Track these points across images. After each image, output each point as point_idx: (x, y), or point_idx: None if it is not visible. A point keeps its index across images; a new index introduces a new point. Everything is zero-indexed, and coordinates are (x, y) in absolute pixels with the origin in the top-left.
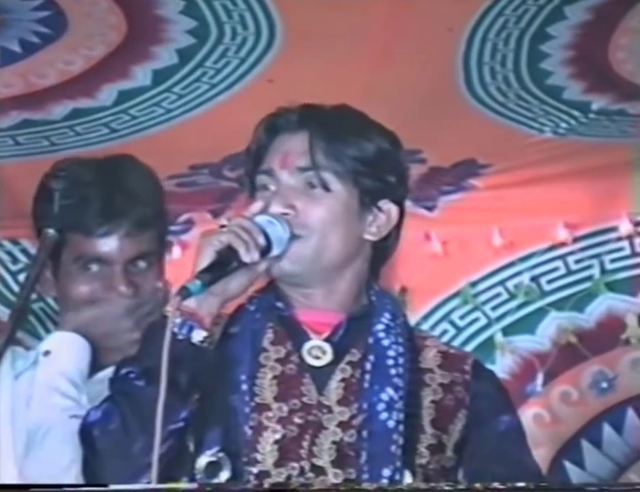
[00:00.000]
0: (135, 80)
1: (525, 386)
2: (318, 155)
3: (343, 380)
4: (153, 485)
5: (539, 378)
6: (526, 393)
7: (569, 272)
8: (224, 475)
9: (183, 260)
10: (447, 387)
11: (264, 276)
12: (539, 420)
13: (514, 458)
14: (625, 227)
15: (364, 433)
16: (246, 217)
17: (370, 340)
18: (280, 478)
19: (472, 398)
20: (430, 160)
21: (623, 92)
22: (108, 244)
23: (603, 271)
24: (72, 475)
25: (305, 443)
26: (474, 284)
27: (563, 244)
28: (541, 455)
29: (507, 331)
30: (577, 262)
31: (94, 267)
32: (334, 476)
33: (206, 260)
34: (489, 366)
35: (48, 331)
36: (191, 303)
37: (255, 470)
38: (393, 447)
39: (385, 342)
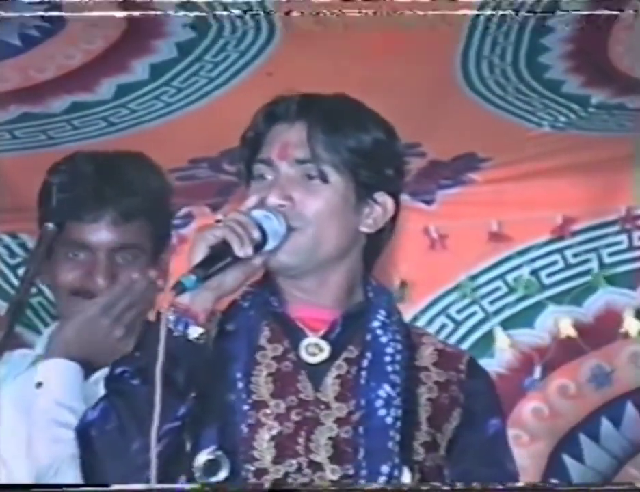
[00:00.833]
0: (134, 74)
1: (524, 380)
2: (317, 147)
3: (339, 376)
4: (155, 485)
5: (538, 372)
6: (525, 387)
7: (568, 266)
8: (222, 474)
9: (182, 254)
10: (443, 386)
11: (261, 270)
12: (538, 414)
13: (497, 462)
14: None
15: (361, 429)
16: (241, 211)
17: (368, 337)
18: (277, 475)
19: (466, 396)
20: (429, 154)
21: (622, 86)
22: (94, 231)
23: (602, 265)
24: None
25: (301, 440)
26: (473, 278)
27: (561, 237)
28: (539, 449)
29: (505, 325)
30: (575, 255)
31: (81, 254)
32: (331, 472)
33: (200, 254)
34: (487, 360)
35: (46, 325)
36: (185, 298)
37: (253, 468)
38: (390, 444)
39: (383, 339)
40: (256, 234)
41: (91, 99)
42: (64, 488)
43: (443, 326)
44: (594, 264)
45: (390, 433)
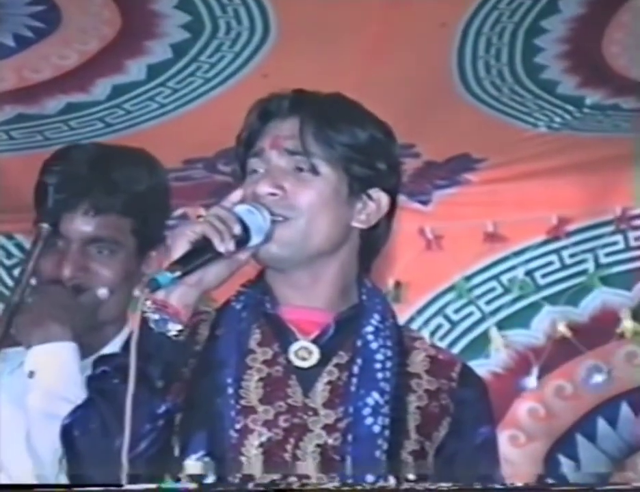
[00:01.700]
0: (129, 74)
1: (520, 380)
2: (308, 139)
3: (329, 382)
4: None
5: (534, 372)
6: (521, 387)
7: (564, 267)
8: (209, 480)
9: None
10: (433, 394)
11: (250, 263)
12: (534, 414)
13: (485, 470)
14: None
15: (349, 437)
16: (223, 206)
17: (359, 343)
18: (264, 481)
19: (456, 405)
20: (424, 154)
21: (616, 87)
22: (68, 221)
23: (597, 265)
24: None
25: (289, 447)
26: (468, 278)
27: (557, 238)
28: (535, 449)
29: (501, 325)
30: (571, 256)
31: (59, 243)
32: (317, 481)
33: (179, 251)
34: (483, 360)
35: None
36: (164, 295)
37: (239, 474)
38: (378, 453)
39: (374, 345)
40: (237, 229)
41: (86, 100)
42: (66, 489)
43: (439, 326)
44: (590, 265)
45: (377, 442)
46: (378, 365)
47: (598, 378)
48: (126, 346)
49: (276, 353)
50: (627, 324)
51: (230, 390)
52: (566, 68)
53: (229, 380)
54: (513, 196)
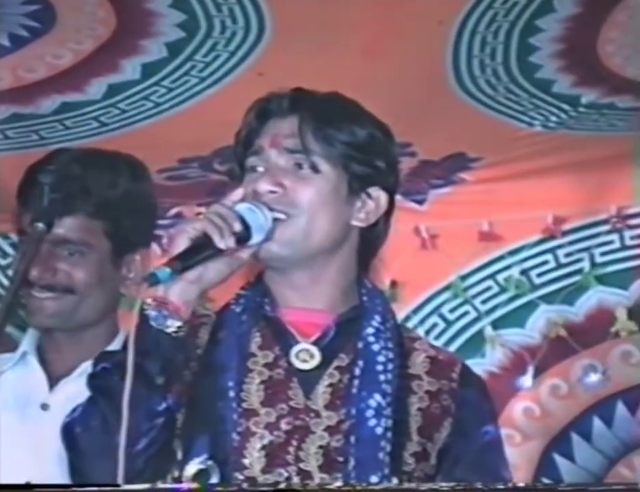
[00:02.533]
0: (124, 74)
1: (515, 379)
2: (308, 138)
3: (331, 385)
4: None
5: (529, 372)
6: (516, 387)
7: (559, 266)
8: (212, 483)
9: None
10: (434, 395)
11: (251, 263)
12: (529, 414)
13: (492, 469)
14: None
15: (352, 439)
16: (223, 204)
17: (360, 345)
18: (266, 484)
19: (457, 406)
20: (420, 153)
21: (612, 86)
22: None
23: (593, 264)
24: None
25: (291, 449)
26: (464, 278)
27: (552, 237)
28: (531, 448)
29: (496, 325)
30: (567, 255)
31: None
32: (320, 481)
33: (179, 247)
34: (479, 359)
35: None
36: (164, 291)
37: (242, 476)
38: (381, 454)
39: (375, 347)
40: (238, 227)
41: (81, 99)
42: (66, 488)
43: (434, 325)
44: (586, 264)
45: (380, 443)
46: (380, 367)
47: (594, 377)
48: (126, 343)
49: (277, 356)
50: (622, 323)
51: (232, 393)
52: (561, 67)
53: (230, 384)
54: (508, 195)
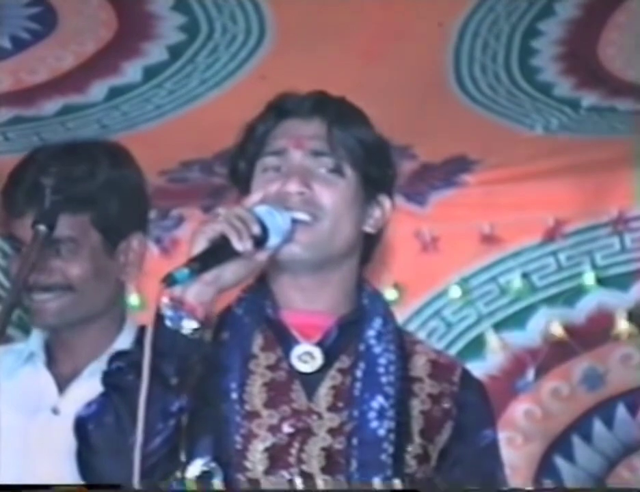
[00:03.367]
0: (126, 76)
1: (516, 382)
2: (336, 142)
3: (333, 387)
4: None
5: (530, 374)
6: (517, 389)
7: (560, 268)
8: (215, 485)
9: (174, 256)
10: (435, 398)
11: (268, 264)
12: (530, 416)
13: (490, 473)
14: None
15: (354, 441)
16: (243, 206)
17: (362, 347)
18: (269, 486)
19: (458, 409)
20: (421, 156)
21: (613, 88)
22: (20, 226)
23: (594, 267)
24: None
25: (294, 451)
26: (465, 280)
27: (553, 239)
28: (532, 450)
29: (497, 327)
30: (568, 258)
31: (23, 249)
32: (323, 483)
33: (197, 248)
34: (479, 362)
35: None
36: (181, 291)
37: (245, 478)
38: (383, 456)
39: (377, 350)
40: (256, 229)
41: (82, 101)
42: (70, 488)
43: (435, 328)
44: (587, 267)
45: (383, 445)
46: (381, 370)
47: (594, 379)
48: (139, 341)
49: (279, 358)
50: (623, 326)
51: (234, 395)
52: (562, 70)
53: (233, 386)
54: (509, 198)
